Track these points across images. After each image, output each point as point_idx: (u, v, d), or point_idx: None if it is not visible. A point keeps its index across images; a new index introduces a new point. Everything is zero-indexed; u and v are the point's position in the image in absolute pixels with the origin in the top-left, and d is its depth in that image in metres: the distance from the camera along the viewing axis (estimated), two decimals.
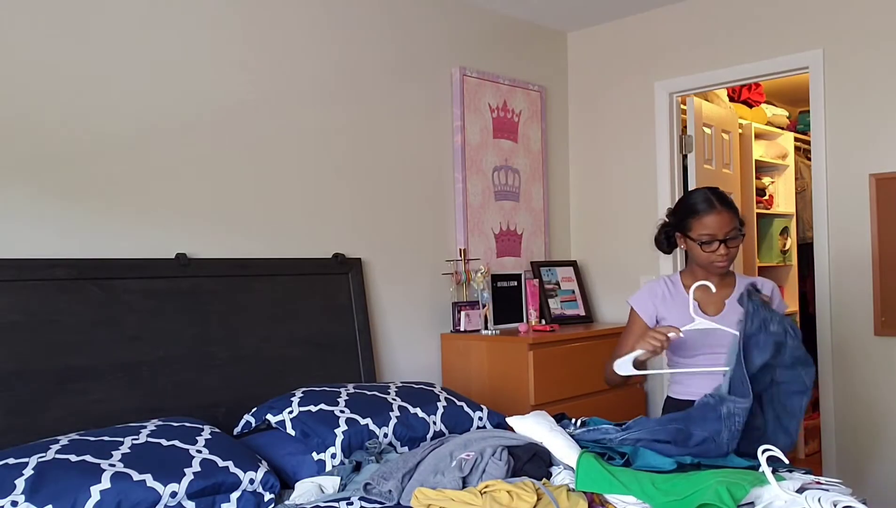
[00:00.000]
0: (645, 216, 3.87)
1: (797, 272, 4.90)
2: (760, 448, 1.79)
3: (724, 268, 2.26)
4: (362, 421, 2.37)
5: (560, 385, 3.27)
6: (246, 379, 2.67)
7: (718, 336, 2.17)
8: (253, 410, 2.49)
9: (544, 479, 1.86)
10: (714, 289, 2.24)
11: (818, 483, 1.77)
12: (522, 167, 3.90)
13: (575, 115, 4.18)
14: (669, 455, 1.90)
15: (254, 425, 2.46)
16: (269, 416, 2.42)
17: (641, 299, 2.37)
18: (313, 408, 2.39)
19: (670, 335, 2.10)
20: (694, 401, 2.07)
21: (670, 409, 2.30)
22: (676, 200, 3.77)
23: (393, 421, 2.43)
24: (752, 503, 1.70)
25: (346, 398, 2.48)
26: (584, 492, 1.82)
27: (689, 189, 3.81)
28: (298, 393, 2.49)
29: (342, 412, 2.39)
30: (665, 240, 2.36)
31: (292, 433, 2.33)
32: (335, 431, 2.30)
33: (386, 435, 2.39)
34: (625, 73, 3.96)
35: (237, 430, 2.47)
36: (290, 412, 2.38)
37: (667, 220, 2.37)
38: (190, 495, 1.89)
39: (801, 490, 1.73)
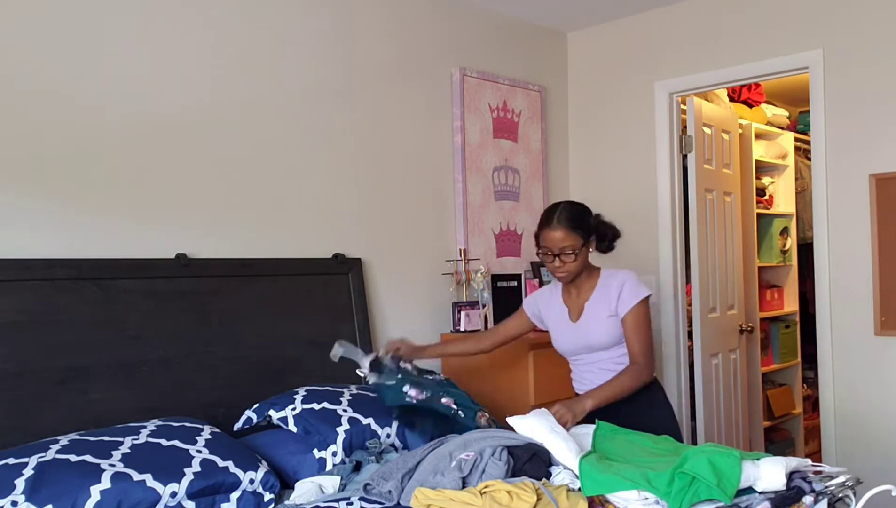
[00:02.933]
0: (645, 216, 3.87)
1: (797, 272, 4.90)
2: None
3: (565, 279, 2.44)
4: (364, 421, 2.38)
5: (560, 386, 3.26)
6: (246, 379, 2.67)
7: (583, 334, 2.45)
8: (254, 406, 2.49)
9: (544, 479, 1.86)
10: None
11: (818, 472, 1.78)
12: (522, 167, 3.90)
13: (575, 115, 4.18)
14: None
15: (255, 421, 2.46)
16: (271, 412, 2.42)
17: (530, 302, 2.69)
18: (316, 406, 2.40)
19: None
20: None
21: None
22: (677, 200, 3.82)
23: (395, 422, 2.43)
24: (750, 487, 1.71)
25: (349, 397, 2.49)
26: None
27: (694, 187, 3.81)
28: (302, 391, 2.50)
29: (345, 410, 2.40)
30: (537, 248, 2.51)
31: (294, 429, 2.34)
32: (337, 429, 2.31)
33: (388, 436, 2.39)
34: (625, 73, 3.96)
35: (238, 426, 2.47)
36: (294, 409, 2.38)
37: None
38: (190, 495, 1.89)
39: (792, 475, 1.76)
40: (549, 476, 1.92)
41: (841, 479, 1.77)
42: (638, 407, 2.37)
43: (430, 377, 2.74)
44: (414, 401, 2.41)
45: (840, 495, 1.74)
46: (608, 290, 2.44)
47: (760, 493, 1.74)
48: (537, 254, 2.50)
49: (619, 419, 2.24)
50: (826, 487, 1.72)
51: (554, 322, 2.56)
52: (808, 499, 1.69)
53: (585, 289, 2.49)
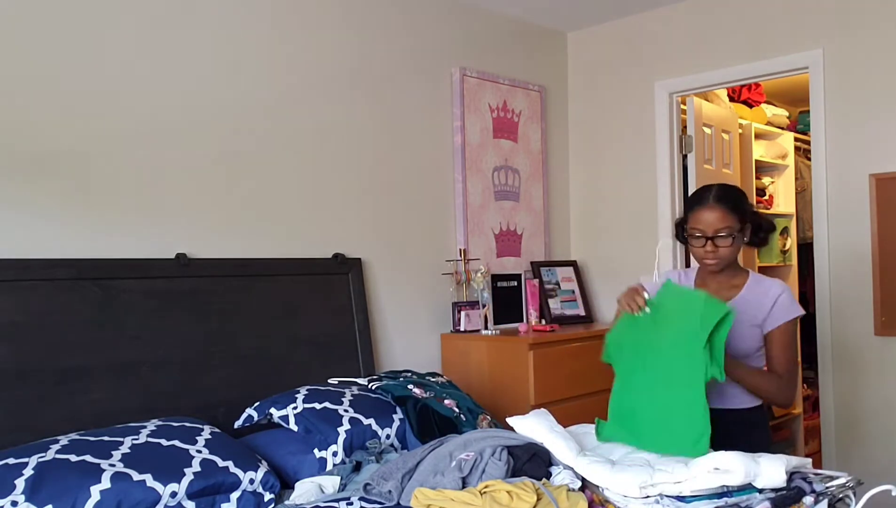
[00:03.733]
0: (645, 216, 3.88)
1: (797, 272, 4.90)
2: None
3: (714, 266, 2.18)
4: (365, 421, 2.38)
5: (560, 385, 3.27)
6: (246, 379, 2.67)
7: None
8: (255, 404, 2.49)
9: (544, 479, 1.86)
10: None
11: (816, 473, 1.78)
12: (522, 167, 3.90)
13: (575, 115, 4.18)
14: None
15: (255, 419, 2.46)
16: (272, 410, 2.42)
17: (652, 286, 2.34)
18: (318, 405, 2.40)
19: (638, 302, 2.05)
20: None
21: None
22: (677, 200, 3.82)
23: (396, 423, 2.43)
24: (750, 483, 1.71)
25: (351, 397, 2.49)
26: (584, 492, 1.83)
27: (693, 188, 3.81)
28: (303, 390, 2.50)
29: (346, 410, 2.40)
30: (679, 232, 2.29)
31: (295, 428, 2.34)
32: (338, 429, 2.31)
33: (388, 436, 2.39)
34: (625, 73, 3.96)
35: (238, 424, 2.47)
36: (295, 408, 2.39)
37: (683, 211, 2.31)
38: (190, 495, 1.89)
39: (793, 475, 1.76)
40: (549, 476, 1.92)
41: (842, 480, 1.77)
42: (743, 429, 2.16)
43: (433, 379, 2.74)
44: (418, 397, 2.43)
45: (840, 495, 1.74)
46: (758, 297, 2.18)
47: (760, 491, 1.74)
48: (683, 236, 2.23)
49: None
50: (827, 487, 1.72)
51: None
52: (808, 499, 1.69)
53: (728, 287, 2.22)
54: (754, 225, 2.19)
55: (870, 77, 3.20)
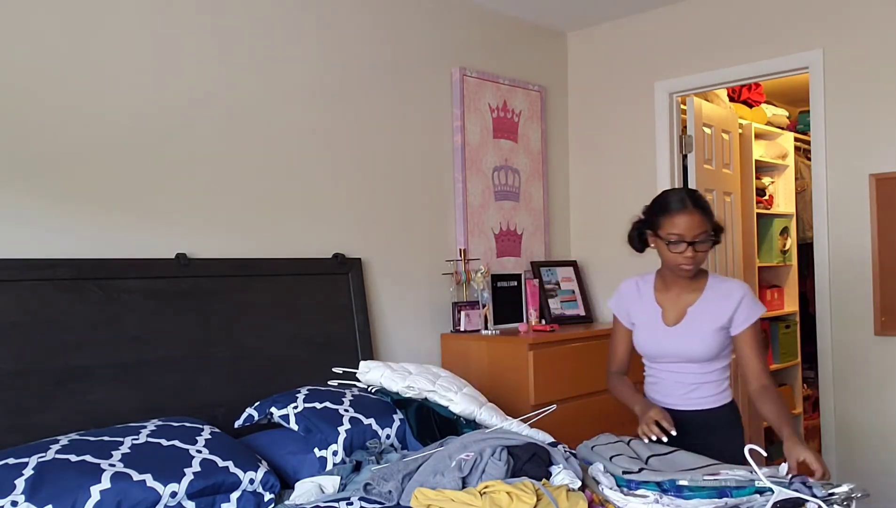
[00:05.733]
0: None
1: (797, 272, 4.90)
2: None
3: (688, 272, 2.17)
4: (366, 421, 2.38)
5: (560, 385, 3.27)
6: (246, 379, 2.67)
7: (680, 342, 2.21)
8: (256, 404, 2.49)
9: (544, 479, 1.86)
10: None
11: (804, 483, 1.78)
12: (522, 167, 3.90)
13: (575, 115, 4.18)
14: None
15: (256, 418, 2.45)
16: (272, 409, 2.42)
17: (617, 302, 2.40)
18: (318, 405, 2.40)
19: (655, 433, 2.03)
20: (668, 409, 2.16)
21: None
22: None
23: (396, 423, 2.43)
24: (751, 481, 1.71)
25: (351, 397, 2.49)
26: (584, 492, 1.83)
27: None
28: (304, 390, 2.50)
29: (346, 410, 2.40)
30: (637, 237, 2.28)
31: (295, 427, 2.34)
32: (338, 429, 2.31)
33: (388, 436, 2.39)
34: (625, 73, 3.96)
35: (238, 423, 2.47)
36: (295, 408, 2.39)
37: (641, 217, 2.28)
38: (190, 495, 1.89)
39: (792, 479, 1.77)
40: (548, 476, 1.92)
41: (844, 488, 1.73)
42: (714, 430, 2.21)
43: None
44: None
45: (845, 503, 1.72)
46: (719, 299, 2.19)
47: (760, 493, 1.74)
48: (653, 244, 2.22)
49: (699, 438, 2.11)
50: (830, 494, 1.71)
51: (642, 322, 2.29)
52: (812, 506, 1.68)
53: (690, 291, 2.23)
54: (716, 228, 2.19)
55: (870, 77, 3.20)
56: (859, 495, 1.72)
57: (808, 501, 1.68)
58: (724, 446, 2.11)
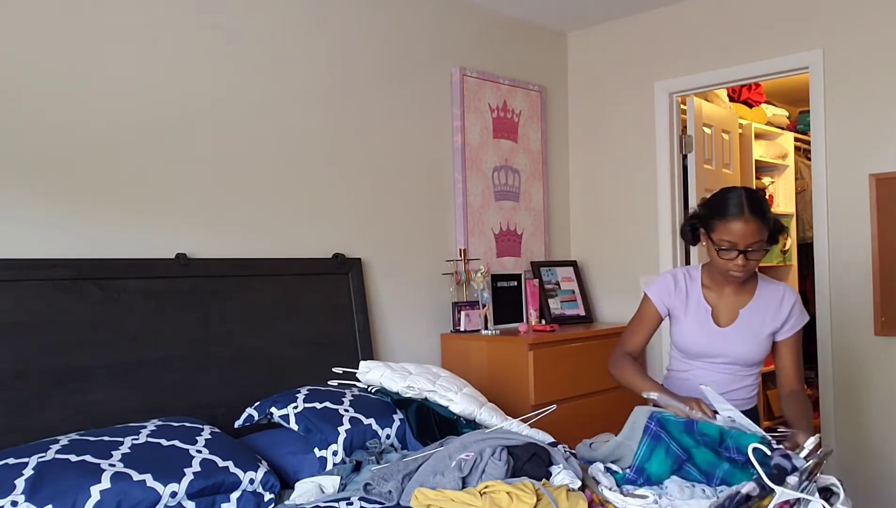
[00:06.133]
0: (645, 216, 3.88)
1: (797, 272, 4.90)
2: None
3: (738, 279, 2.11)
4: (366, 421, 2.38)
5: (560, 386, 3.27)
6: (246, 379, 2.67)
7: (730, 343, 2.16)
8: (256, 403, 2.49)
9: (544, 479, 1.86)
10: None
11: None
12: (522, 167, 3.90)
13: (575, 115, 4.18)
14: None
15: (256, 418, 2.45)
16: (272, 409, 2.42)
17: (658, 290, 2.27)
18: (318, 405, 2.40)
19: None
20: None
21: None
22: (677, 200, 3.82)
23: (396, 423, 2.43)
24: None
25: (351, 398, 2.49)
26: (584, 492, 1.83)
27: (694, 187, 3.81)
28: (304, 390, 2.51)
29: (346, 410, 2.40)
30: (690, 232, 2.19)
31: (295, 427, 2.34)
32: (338, 429, 2.31)
33: (388, 436, 2.39)
34: (625, 73, 3.96)
35: (238, 423, 2.47)
36: (295, 408, 2.39)
37: (697, 211, 2.19)
38: (190, 495, 1.89)
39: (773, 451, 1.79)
40: (548, 476, 1.92)
41: (810, 443, 1.77)
42: None
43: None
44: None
45: (820, 459, 1.74)
46: (772, 302, 2.17)
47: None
48: (705, 242, 2.13)
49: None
50: (805, 461, 1.73)
51: (689, 319, 2.21)
52: (791, 479, 1.68)
53: (743, 291, 2.18)
54: (773, 230, 2.09)
55: (870, 77, 3.20)
56: (824, 453, 1.76)
57: (811, 501, 1.68)
58: None
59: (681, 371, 2.29)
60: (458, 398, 2.44)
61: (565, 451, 2.04)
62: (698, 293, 2.22)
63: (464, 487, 1.85)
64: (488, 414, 2.42)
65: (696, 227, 2.17)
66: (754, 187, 4.50)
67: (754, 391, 2.26)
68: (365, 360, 2.96)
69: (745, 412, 2.12)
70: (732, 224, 2.02)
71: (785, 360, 2.19)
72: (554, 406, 2.31)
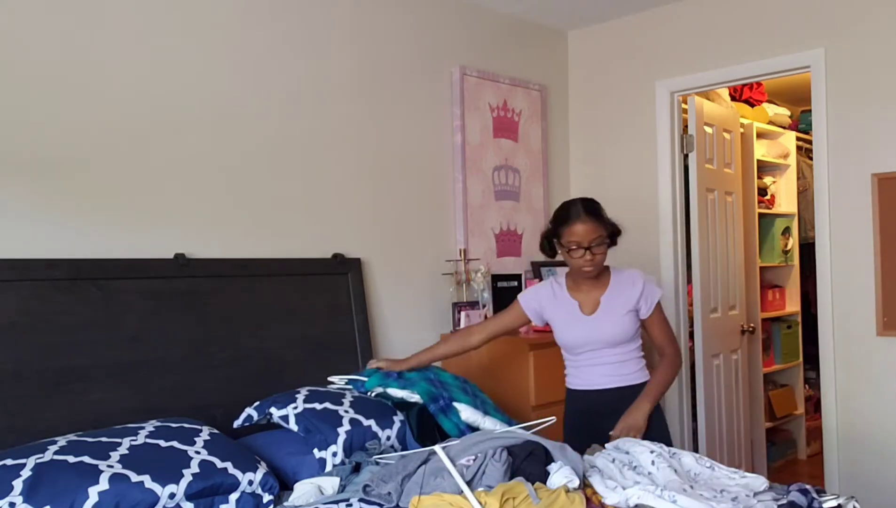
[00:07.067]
0: (646, 216, 3.86)
1: (799, 272, 4.89)
2: None
3: (590, 273, 2.45)
4: (365, 422, 2.37)
5: (560, 386, 3.24)
6: (245, 380, 2.66)
7: (597, 328, 2.48)
8: (255, 403, 2.47)
9: (538, 483, 1.85)
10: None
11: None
12: (523, 167, 3.89)
13: (575, 114, 4.17)
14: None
15: (255, 418, 2.44)
16: (272, 409, 2.40)
17: (529, 299, 2.64)
18: (318, 406, 2.39)
19: None
20: (590, 392, 2.53)
21: (575, 399, 2.61)
22: (678, 200, 3.81)
23: (396, 424, 2.43)
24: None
25: (351, 398, 2.48)
26: (584, 492, 1.82)
27: (695, 187, 3.80)
28: (304, 391, 2.49)
29: (346, 411, 2.39)
30: (548, 245, 2.54)
31: (295, 427, 2.33)
32: (338, 430, 2.30)
33: (388, 437, 2.38)
34: (626, 72, 3.95)
35: (237, 423, 2.46)
36: (295, 408, 2.37)
37: (549, 227, 2.53)
38: (188, 496, 1.89)
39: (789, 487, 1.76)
40: (546, 474, 1.91)
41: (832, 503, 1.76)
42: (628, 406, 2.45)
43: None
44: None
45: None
46: (624, 286, 2.51)
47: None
48: (560, 250, 2.49)
49: (611, 421, 2.42)
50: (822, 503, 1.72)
51: (562, 318, 2.56)
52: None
53: (599, 284, 2.53)
54: (612, 231, 2.46)
55: (871, 76, 3.19)
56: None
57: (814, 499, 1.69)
58: (651, 427, 2.41)
59: (572, 367, 2.61)
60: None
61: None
62: (565, 295, 2.57)
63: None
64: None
65: (550, 240, 2.52)
66: (755, 187, 4.49)
67: (640, 366, 2.55)
68: (365, 360, 2.96)
69: (637, 386, 2.50)
70: (574, 227, 2.41)
71: (653, 333, 2.54)
72: (553, 419, 2.32)
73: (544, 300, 2.60)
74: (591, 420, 2.49)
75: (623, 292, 2.51)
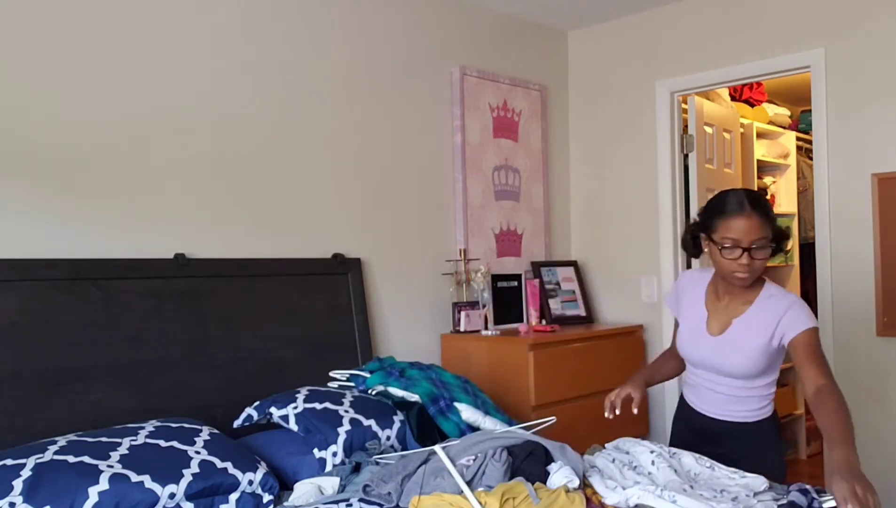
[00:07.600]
0: (646, 216, 3.87)
1: (799, 272, 4.89)
2: None
3: (744, 282, 1.98)
4: (366, 422, 2.37)
5: (560, 386, 3.26)
6: (245, 380, 2.66)
7: (719, 354, 2.06)
8: (255, 403, 2.48)
9: (538, 483, 1.85)
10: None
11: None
12: (523, 167, 3.89)
13: (575, 114, 4.17)
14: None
15: (255, 418, 2.44)
16: (272, 409, 2.41)
17: (670, 298, 2.27)
18: (318, 406, 2.39)
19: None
20: (704, 415, 2.15)
21: (689, 414, 2.21)
22: (678, 199, 3.81)
23: (396, 424, 2.43)
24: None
25: (351, 399, 2.48)
26: (584, 492, 1.82)
27: (695, 187, 3.80)
28: (304, 391, 2.49)
29: (346, 411, 2.39)
30: (691, 241, 2.09)
31: (295, 427, 2.33)
32: (338, 430, 2.30)
33: (388, 437, 2.38)
34: (626, 72, 3.95)
35: (237, 423, 2.46)
36: (295, 408, 2.37)
37: (696, 219, 2.09)
38: (188, 496, 1.89)
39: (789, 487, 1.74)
40: (546, 474, 1.91)
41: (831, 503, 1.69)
42: (751, 442, 2.09)
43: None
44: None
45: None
46: (767, 312, 2.00)
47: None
48: (706, 249, 2.03)
49: (724, 448, 2.07)
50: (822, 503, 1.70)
51: (687, 323, 2.15)
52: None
53: (741, 301, 2.05)
54: (779, 234, 2.01)
55: (872, 76, 3.19)
56: None
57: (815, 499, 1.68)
58: (757, 457, 2.03)
59: (690, 378, 2.23)
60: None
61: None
62: (701, 298, 2.14)
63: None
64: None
65: (696, 235, 2.07)
66: (756, 187, 4.49)
67: (764, 403, 2.11)
68: (365, 360, 2.96)
69: (756, 423, 2.10)
70: (734, 221, 1.93)
71: (797, 363, 1.96)
72: (553, 419, 2.25)
73: (682, 291, 2.20)
74: (701, 441, 2.12)
75: (764, 317, 2.01)
